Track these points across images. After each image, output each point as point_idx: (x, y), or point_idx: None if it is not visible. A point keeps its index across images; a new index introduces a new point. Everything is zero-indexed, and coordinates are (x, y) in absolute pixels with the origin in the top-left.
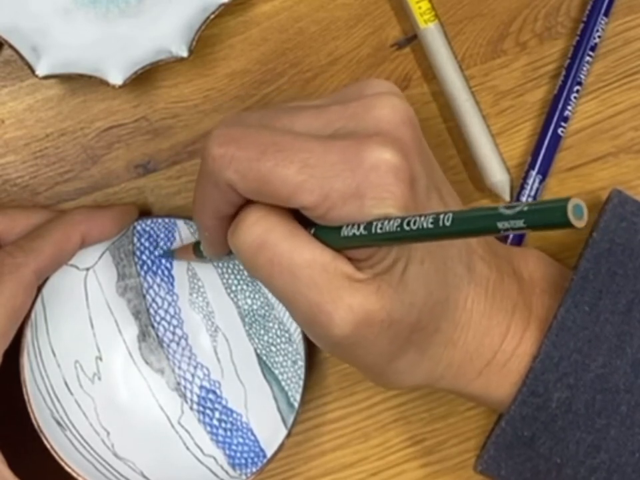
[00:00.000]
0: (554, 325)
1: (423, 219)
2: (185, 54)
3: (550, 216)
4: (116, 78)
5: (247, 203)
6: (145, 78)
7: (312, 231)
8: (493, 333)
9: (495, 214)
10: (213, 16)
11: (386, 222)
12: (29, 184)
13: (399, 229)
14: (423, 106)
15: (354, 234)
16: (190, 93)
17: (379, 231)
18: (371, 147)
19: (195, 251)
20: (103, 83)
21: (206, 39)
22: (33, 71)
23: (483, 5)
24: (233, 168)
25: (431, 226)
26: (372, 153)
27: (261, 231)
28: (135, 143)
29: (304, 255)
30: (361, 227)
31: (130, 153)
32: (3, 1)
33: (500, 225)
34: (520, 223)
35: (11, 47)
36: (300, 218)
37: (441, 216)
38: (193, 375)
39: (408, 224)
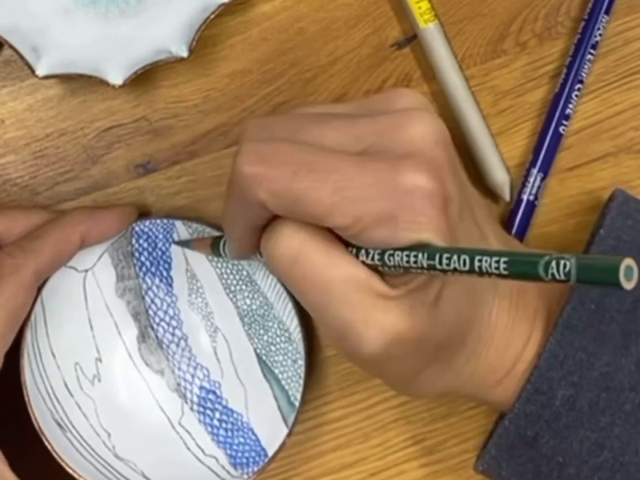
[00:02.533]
0: (559, 323)
1: (456, 257)
2: (184, 54)
3: (600, 275)
4: (116, 78)
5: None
6: (145, 78)
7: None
8: (515, 344)
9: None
10: (212, 16)
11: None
12: (29, 184)
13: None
14: None
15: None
16: (190, 92)
17: (406, 264)
18: (405, 171)
19: (213, 248)
20: (103, 82)
21: (206, 39)
22: (33, 71)
23: (483, 4)
24: (265, 188)
25: (465, 268)
26: (406, 177)
27: (296, 243)
28: (135, 142)
29: (338, 271)
30: (378, 257)
31: (130, 152)
32: (3, 1)
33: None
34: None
35: (11, 47)
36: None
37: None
38: (192, 376)
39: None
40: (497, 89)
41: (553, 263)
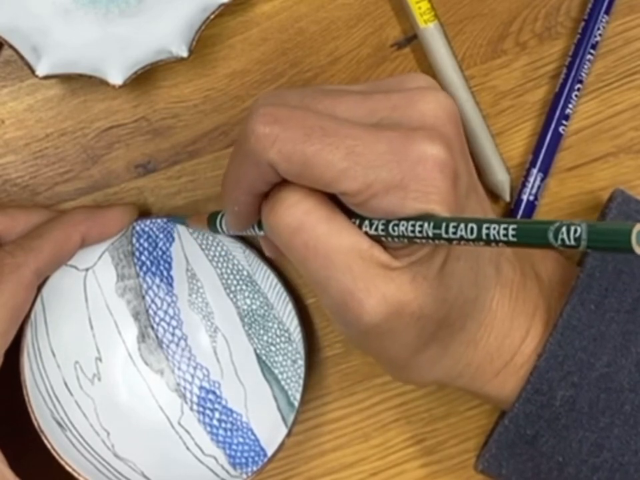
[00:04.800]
0: (559, 323)
1: (497, 226)
2: (184, 54)
3: (611, 240)
4: (116, 78)
5: (282, 181)
6: (145, 78)
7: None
8: (514, 335)
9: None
10: (213, 16)
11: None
12: (29, 184)
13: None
14: None
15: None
16: (190, 92)
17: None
18: (419, 140)
19: (209, 223)
20: (103, 83)
21: (206, 39)
22: (33, 71)
23: (483, 4)
24: (277, 148)
25: (472, 236)
26: (420, 146)
27: (299, 213)
28: (135, 143)
29: (341, 241)
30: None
31: (130, 152)
32: (3, 1)
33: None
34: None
35: (11, 47)
36: (336, 202)
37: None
38: (192, 376)
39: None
40: (497, 89)
41: (564, 229)
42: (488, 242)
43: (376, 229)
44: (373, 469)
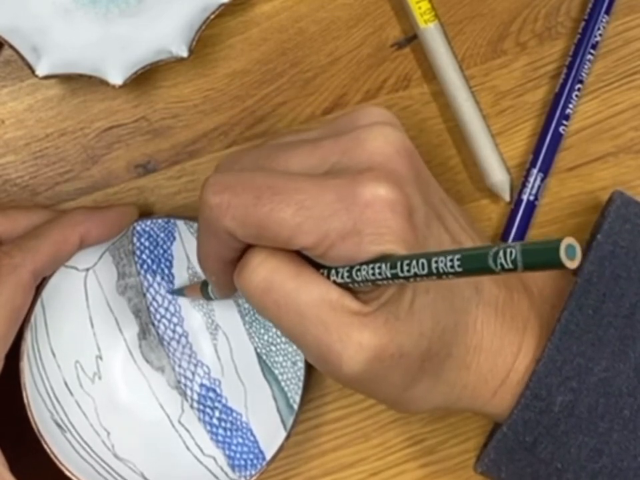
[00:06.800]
0: (557, 329)
1: (415, 262)
2: (184, 54)
3: (542, 258)
4: (116, 78)
5: (250, 245)
6: (145, 78)
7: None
8: (506, 353)
9: (485, 257)
10: (213, 16)
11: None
12: (29, 184)
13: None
14: (423, 106)
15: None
16: (190, 93)
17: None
18: (364, 184)
19: (202, 291)
20: (103, 82)
21: (206, 39)
22: (33, 71)
23: (483, 5)
24: (230, 215)
25: (424, 272)
26: (366, 189)
27: (266, 273)
28: (135, 143)
29: (310, 295)
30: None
31: (130, 152)
32: (3, 1)
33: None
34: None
35: (11, 47)
36: (304, 256)
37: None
38: (193, 373)
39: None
40: (497, 89)
41: (501, 253)
42: (439, 275)
43: (342, 277)
44: (373, 469)
